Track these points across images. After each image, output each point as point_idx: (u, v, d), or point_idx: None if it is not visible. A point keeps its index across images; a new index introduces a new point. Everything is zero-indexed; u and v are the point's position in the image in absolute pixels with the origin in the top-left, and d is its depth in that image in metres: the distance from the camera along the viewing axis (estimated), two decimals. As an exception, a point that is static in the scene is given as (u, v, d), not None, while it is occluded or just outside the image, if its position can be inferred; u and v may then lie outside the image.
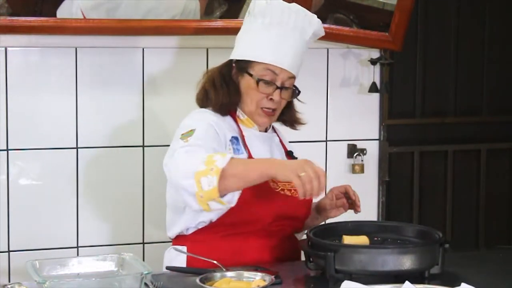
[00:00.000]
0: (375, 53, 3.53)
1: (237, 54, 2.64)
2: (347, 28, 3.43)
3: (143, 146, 3.29)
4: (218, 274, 2.22)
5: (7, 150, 3.15)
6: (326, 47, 3.51)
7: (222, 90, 2.62)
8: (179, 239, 2.63)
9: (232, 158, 2.33)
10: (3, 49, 3.11)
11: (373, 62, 3.52)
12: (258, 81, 2.57)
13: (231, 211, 2.47)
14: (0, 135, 3.13)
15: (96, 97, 3.23)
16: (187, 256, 2.57)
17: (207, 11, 3.26)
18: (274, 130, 2.76)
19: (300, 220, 2.68)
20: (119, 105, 3.26)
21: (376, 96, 3.61)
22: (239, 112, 2.65)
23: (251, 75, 2.59)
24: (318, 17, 2.69)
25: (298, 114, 2.77)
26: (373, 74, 3.54)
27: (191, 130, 2.50)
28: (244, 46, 2.63)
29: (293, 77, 2.61)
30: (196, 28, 3.20)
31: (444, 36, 3.80)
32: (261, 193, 2.51)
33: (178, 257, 2.59)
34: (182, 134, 2.51)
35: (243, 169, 2.34)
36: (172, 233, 2.64)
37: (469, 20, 3.83)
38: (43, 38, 3.13)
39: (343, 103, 3.57)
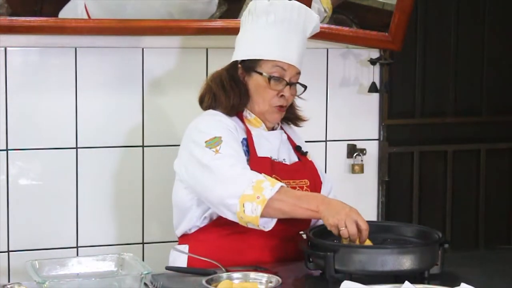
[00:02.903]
0: (374, 53, 3.53)
1: (243, 54, 2.64)
2: (346, 28, 3.43)
3: (143, 146, 3.29)
4: (224, 275, 2.21)
5: (7, 150, 3.15)
6: (326, 47, 3.51)
7: (233, 92, 2.62)
8: (183, 239, 2.66)
9: (281, 187, 2.39)
10: (3, 49, 3.11)
11: (372, 62, 3.52)
12: (269, 79, 2.58)
13: None
14: (0, 135, 3.13)
15: (96, 97, 3.23)
16: (188, 256, 2.58)
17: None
18: (281, 127, 2.77)
19: (305, 221, 2.67)
20: (119, 105, 3.26)
21: (375, 96, 3.61)
22: (246, 112, 2.65)
23: (260, 73, 2.60)
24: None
25: (299, 111, 2.79)
26: (373, 74, 3.54)
27: (215, 138, 2.52)
28: (250, 46, 2.63)
29: (299, 73, 2.64)
30: (196, 28, 3.20)
31: (444, 36, 3.80)
32: None
33: (180, 258, 2.60)
34: (207, 142, 2.51)
35: (293, 204, 2.40)
36: (179, 232, 2.66)
37: (468, 20, 3.83)
38: (43, 38, 3.13)
39: (343, 103, 3.57)
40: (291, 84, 2.61)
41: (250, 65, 2.62)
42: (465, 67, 3.84)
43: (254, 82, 2.62)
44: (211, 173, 2.47)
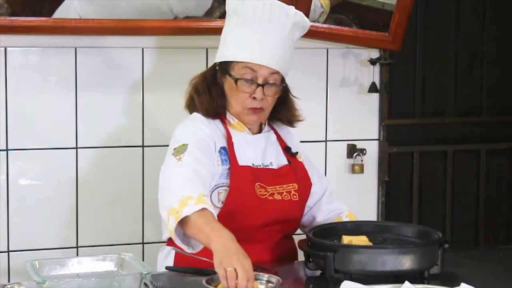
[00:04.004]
0: (374, 53, 3.53)
1: (218, 56, 2.62)
2: (346, 28, 3.42)
3: (142, 146, 3.30)
4: None
5: (7, 150, 3.15)
6: (326, 47, 3.51)
7: (205, 95, 2.60)
8: (171, 241, 2.58)
9: (202, 209, 2.28)
10: (3, 49, 3.11)
11: (372, 62, 3.52)
12: (236, 81, 2.54)
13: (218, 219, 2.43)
14: (0, 135, 3.13)
15: (96, 97, 3.23)
16: (175, 257, 2.56)
17: (207, 11, 3.26)
18: (272, 127, 2.72)
19: (294, 222, 2.65)
20: (119, 105, 3.26)
21: (375, 96, 3.61)
22: (229, 117, 2.61)
23: (230, 75, 2.56)
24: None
25: (296, 111, 2.72)
26: (373, 74, 3.54)
27: (183, 145, 2.49)
28: (223, 47, 2.61)
29: (276, 73, 2.56)
30: (196, 28, 3.20)
31: (444, 36, 3.80)
32: (245, 202, 2.50)
33: (168, 257, 2.59)
34: (175, 149, 2.50)
35: (198, 229, 2.27)
36: (165, 236, 2.63)
37: (468, 20, 3.83)
38: (43, 38, 3.13)
39: (343, 103, 3.57)
40: (264, 85, 2.55)
41: (224, 67, 2.58)
42: (465, 67, 3.85)
43: (228, 84, 2.58)
44: (162, 182, 2.45)
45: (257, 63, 2.53)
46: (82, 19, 3.09)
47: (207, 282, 2.14)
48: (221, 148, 2.56)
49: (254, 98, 2.55)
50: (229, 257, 2.13)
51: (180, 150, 2.48)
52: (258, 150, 2.63)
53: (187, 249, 2.34)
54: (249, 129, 2.63)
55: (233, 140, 2.58)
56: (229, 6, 2.59)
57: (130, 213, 3.30)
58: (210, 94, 2.60)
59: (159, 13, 3.18)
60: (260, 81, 2.54)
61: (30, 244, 3.18)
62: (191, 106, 2.66)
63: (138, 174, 3.30)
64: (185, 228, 2.31)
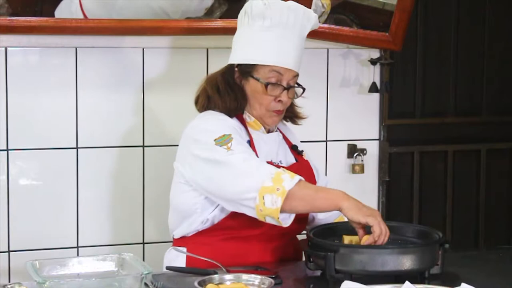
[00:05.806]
0: (375, 53, 3.53)
1: (240, 58, 2.60)
2: (347, 28, 3.43)
3: (143, 146, 3.30)
4: (216, 277, 2.21)
5: (7, 150, 3.15)
6: (326, 47, 3.51)
7: (229, 96, 2.59)
8: (180, 241, 2.63)
9: (300, 180, 2.39)
10: (3, 49, 3.11)
11: (373, 62, 3.52)
12: (266, 85, 2.55)
13: (232, 214, 2.49)
14: (0, 135, 3.13)
15: (96, 97, 3.23)
16: (187, 257, 2.57)
17: (207, 11, 3.27)
18: (277, 127, 2.74)
19: (303, 221, 2.67)
20: (119, 105, 3.26)
21: (376, 96, 3.61)
22: (245, 115, 2.63)
23: (257, 79, 2.57)
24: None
25: (298, 108, 2.77)
26: (373, 74, 3.54)
27: (224, 135, 2.49)
28: (246, 50, 2.59)
29: (297, 75, 2.61)
30: (196, 28, 3.20)
31: (444, 36, 3.80)
32: None
33: (177, 258, 2.59)
34: (216, 140, 2.48)
35: (312, 195, 2.40)
36: (177, 234, 2.63)
37: (469, 20, 3.83)
38: (43, 38, 3.13)
39: (343, 103, 3.57)
40: (288, 88, 2.58)
41: (247, 70, 2.59)
42: (465, 67, 3.84)
43: (251, 87, 2.59)
44: (227, 169, 2.44)
45: (284, 67, 2.56)
46: (82, 19, 3.09)
47: (199, 284, 2.13)
48: (247, 141, 2.58)
49: (279, 101, 2.58)
50: (363, 211, 2.38)
51: (224, 140, 2.49)
52: (273, 148, 2.65)
53: (283, 224, 2.40)
54: (264, 128, 2.65)
55: (253, 136, 2.61)
56: (253, 9, 2.57)
57: (130, 213, 3.31)
58: (235, 95, 2.60)
59: (154, 15, 3.17)
60: (285, 84, 2.58)
61: (30, 244, 3.18)
62: (207, 105, 2.63)
63: (138, 174, 3.30)
64: (287, 201, 2.36)
